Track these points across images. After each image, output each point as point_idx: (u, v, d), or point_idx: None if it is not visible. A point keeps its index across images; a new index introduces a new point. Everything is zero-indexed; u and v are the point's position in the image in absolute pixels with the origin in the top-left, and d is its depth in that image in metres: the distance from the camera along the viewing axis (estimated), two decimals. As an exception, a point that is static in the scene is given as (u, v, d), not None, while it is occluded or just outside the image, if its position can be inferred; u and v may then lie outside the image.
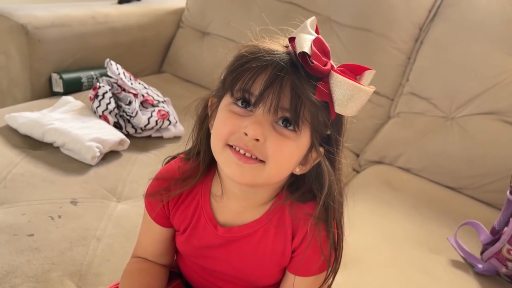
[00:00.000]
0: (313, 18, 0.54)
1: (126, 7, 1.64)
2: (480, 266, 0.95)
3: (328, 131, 0.54)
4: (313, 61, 0.49)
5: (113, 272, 0.78)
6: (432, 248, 1.00)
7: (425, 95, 1.34)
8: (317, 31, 0.53)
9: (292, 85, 0.49)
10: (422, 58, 1.37)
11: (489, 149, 1.22)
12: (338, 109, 0.51)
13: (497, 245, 0.91)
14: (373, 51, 1.40)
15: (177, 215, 0.63)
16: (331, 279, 0.61)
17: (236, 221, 0.61)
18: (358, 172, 1.36)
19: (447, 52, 1.32)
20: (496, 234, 0.95)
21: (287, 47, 0.53)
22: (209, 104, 0.60)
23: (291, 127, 0.52)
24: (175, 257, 0.72)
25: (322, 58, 0.50)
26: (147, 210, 0.66)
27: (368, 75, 0.52)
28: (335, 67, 0.52)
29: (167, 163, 0.66)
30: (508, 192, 0.95)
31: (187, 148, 0.64)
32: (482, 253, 0.97)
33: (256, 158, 0.52)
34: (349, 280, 0.87)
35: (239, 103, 0.53)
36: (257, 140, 0.51)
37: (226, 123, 0.53)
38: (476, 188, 1.23)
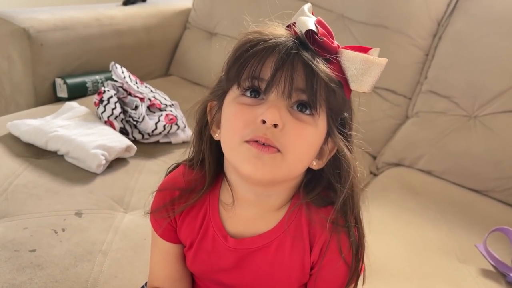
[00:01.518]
0: (309, 4, 0.52)
1: (131, 9, 1.60)
2: (513, 275, 0.89)
3: (344, 114, 0.52)
4: (322, 37, 0.47)
5: (121, 290, 0.73)
6: (460, 257, 0.95)
7: (446, 93, 1.28)
8: None
9: (305, 63, 0.46)
10: (441, 55, 1.31)
11: (516, 149, 1.16)
12: (353, 85, 0.49)
13: (532, 253, 0.85)
14: (389, 49, 1.34)
15: (184, 227, 0.58)
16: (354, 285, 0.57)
17: (248, 231, 0.55)
18: (375, 175, 1.31)
19: (468, 48, 1.26)
20: (530, 241, 0.89)
21: (288, 29, 0.51)
22: (208, 109, 0.55)
23: (307, 111, 0.48)
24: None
25: (329, 38, 0.49)
26: (154, 227, 0.61)
27: (373, 53, 0.49)
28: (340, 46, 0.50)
29: (170, 171, 0.61)
30: (543, 196, 0.88)
31: (190, 155, 0.59)
32: (515, 261, 0.91)
33: (275, 147, 0.47)
34: (374, 293, 0.81)
35: (248, 93, 0.49)
36: (275, 126, 0.46)
37: (238, 116, 0.49)
38: (504, 191, 1.16)
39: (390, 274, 0.87)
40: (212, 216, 0.57)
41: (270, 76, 0.47)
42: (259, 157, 0.47)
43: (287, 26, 0.51)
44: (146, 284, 0.69)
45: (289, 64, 0.46)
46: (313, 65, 0.46)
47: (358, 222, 0.54)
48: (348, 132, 0.52)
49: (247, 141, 0.47)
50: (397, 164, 1.31)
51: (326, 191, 0.54)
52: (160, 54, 1.68)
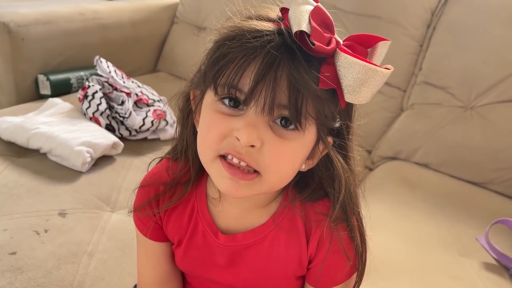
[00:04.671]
0: None
1: (116, 3, 1.57)
2: (516, 268, 0.86)
3: (337, 124, 0.45)
4: (314, 41, 0.40)
5: (108, 293, 0.70)
6: (461, 251, 0.92)
7: (441, 84, 1.26)
8: None
9: (289, 76, 0.40)
10: (436, 45, 1.29)
11: (514, 139, 1.13)
12: (348, 97, 0.42)
13: (536, 245, 0.82)
14: (383, 40, 1.31)
15: (170, 224, 0.54)
16: (358, 283, 0.53)
17: (240, 226, 0.52)
18: (371, 169, 1.28)
19: (463, 37, 1.23)
20: (532, 232, 0.86)
21: (278, 20, 0.43)
22: (192, 97, 0.50)
23: (291, 127, 0.43)
24: None
25: (325, 34, 0.41)
26: (138, 227, 0.57)
27: (382, 47, 0.43)
28: (341, 42, 0.43)
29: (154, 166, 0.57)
30: (545, 186, 0.86)
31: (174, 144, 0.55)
32: (517, 254, 0.89)
33: (252, 169, 0.42)
34: (375, 290, 0.78)
35: (226, 101, 0.43)
36: (252, 146, 0.41)
37: (212, 127, 0.43)
38: (503, 182, 1.14)
39: (390, 269, 0.84)
40: (200, 211, 0.53)
41: (249, 90, 0.41)
42: (234, 181, 0.43)
43: (281, 10, 0.44)
44: (135, 286, 0.65)
45: (271, 76, 0.40)
46: (297, 83, 0.40)
47: (359, 220, 0.50)
48: (344, 136, 0.47)
49: (222, 156, 0.43)
50: (393, 158, 1.28)
51: (320, 181, 0.50)
52: (147, 49, 1.64)
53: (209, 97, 0.45)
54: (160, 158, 0.57)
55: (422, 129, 1.25)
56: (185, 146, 0.51)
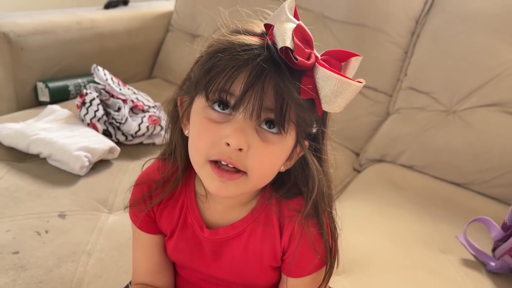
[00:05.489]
0: (291, 0, 0.49)
1: (112, 12, 1.60)
2: (492, 264, 0.91)
3: (314, 129, 0.50)
4: (297, 57, 0.44)
5: (106, 290, 0.73)
6: (442, 248, 0.97)
7: (425, 90, 1.30)
8: (295, 15, 0.48)
9: (276, 86, 0.45)
10: (420, 52, 1.33)
11: (494, 141, 1.18)
12: (325, 106, 0.47)
13: (510, 241, 0.87)
14: (369, 47, 1.36)
15: (163, 218, 0.60)
16: (328, 277, 0.57)
17: (222, 221, 0.57)
18: (359, 171, 1.33)
19: (445, 45, 1.28)
20: (507, 229, 0.91)
21: (263, 35, 0.48)
22: (179, 103, 0.55)
23: (275, 129, 0.48)
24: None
25: (305, 49, 0.45)
26: (133, 221, 0.62)
27: (355, 62, 0.48)
28: (319, 56, 0.47)
29: (148, 166, 0.62)
30: (519, 186, 0.91)
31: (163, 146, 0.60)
32: (494, 250, 0.93)
33: (238, 170, 0.47)
34: (358, 285, 0.83)
35: (216, 106, 0.48)
36: (240, 149, 0.46)
37: (203, 135, 0.48)
38: (484, 183, 1.19)
39: (374, 266, 0.88)
40: (190, 207, 0.58)
41: (239, 96, 0.45)
42: (223, 182, 0.48)
43: (265, 25, 0.49)
44: (130, 283, 0.70)
45: (259, 85, 0.44)
46: (283, 92, 0.45)
47: (329, 218, 0.55)
48: (319, 141, 0.52)
49: (212, 161, 0.48)
50: (380, 160, 1.33)
51: (295, 181, 0.55)
52: (143, 57, 1.68)
53: (200, 103, 0.49)
54: (152, 159, 0.62)
55: (407, 133, 1.29)
56: (174, 148, 0.56)
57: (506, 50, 1.20)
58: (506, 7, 1.20)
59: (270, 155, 0.48)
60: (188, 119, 0.53)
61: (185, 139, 0.55)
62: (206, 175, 0.49)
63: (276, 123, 0.47)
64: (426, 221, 1.05)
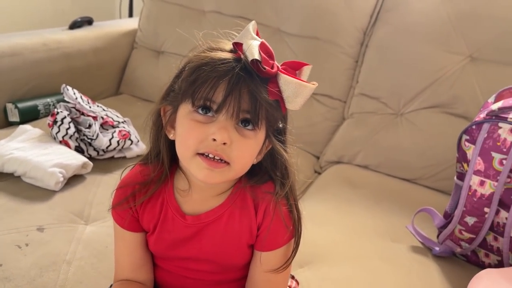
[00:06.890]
0: (253, 22, 0.60)
1: (78, 32, 1.64)
2: (437, 248, 1.00)
3: (280, 125, 0.62)
4: (265, 67, 0.55)
5: (87, 294, 0.78)
6: (393, 238, 1.06)
7: (375, 95, 1.41)
8: (257, 34, 0.59)
9: (250, 91, 0.55)
10: (369, 61, 1.44)
11: (436, 140, 1.30)
12: (288, 105, 0.58)
13: (450, 227, 0.97)
14: (323, 58, 1.47)
15: (145, 215, 0.67)
16: (296, 249, 0.67)
17: (202, 208, 0.66)
18: (319, 173, 1.42)
19: (390, 53, 1.40)
20: (448, 217, 1.01)
21: (233, 51, 0.58)
22: (162, 113, 0.64)
23: (249, 127, 0.58)
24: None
25: (270, 61, 0.56)
26: (116, 221, 0.68)
27: (306, 70, 0.60)
28: (279, 66, 0.58)
29: (128, 172, 0.69)
30: (455, 177, 1.02)
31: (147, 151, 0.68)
32: (438, 236, 1.03)
33: (223, 161, 0.58)
34: (318, 275, 0.91)
35: (200, 110, 0.58)
36: (224, 143, 0.56)
37: (192, 133, 0.58)
38: (430, 177, 1.30)
39: (333, 257, 0.97)
40: (169, 201, 0.66)
41: (221, 101, 0.55)
42: (210, 170, 0.57)
43: (234, 43, 0.58)
44: (111, 286, 0.75)
45: (237, 91, 0.55)
46: (256, 95, 0.55)
47: (295, 199, 0.66)
48: (283, 138, 0.63)
49: (200, 154, 0.58)
50: (338, 162, 1.42)
51: (265, 170, 0.66)
52: (109, 74, 1.72)
53: (185, 109, 0.59)
54: (132, 165, 0.70)
55: (361, 135, 1.40)
56: (158, 149, 0.65)
57: (442, 57, 1.33)
58: (439, 20, 1.33)
59: (248, 148, 0.59)
60: (172, 125, 0.62)
61: (168, 144, 0.64)
62: (195, 166, 0.58)
63: (251, 120, 0.57)
64: (378, 214, 1.14)
